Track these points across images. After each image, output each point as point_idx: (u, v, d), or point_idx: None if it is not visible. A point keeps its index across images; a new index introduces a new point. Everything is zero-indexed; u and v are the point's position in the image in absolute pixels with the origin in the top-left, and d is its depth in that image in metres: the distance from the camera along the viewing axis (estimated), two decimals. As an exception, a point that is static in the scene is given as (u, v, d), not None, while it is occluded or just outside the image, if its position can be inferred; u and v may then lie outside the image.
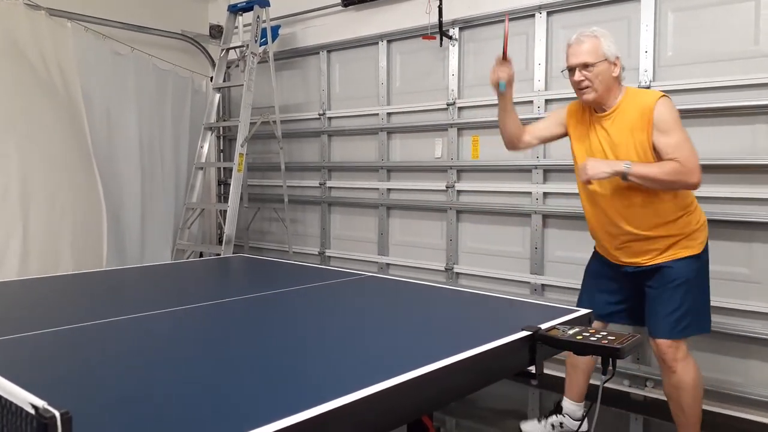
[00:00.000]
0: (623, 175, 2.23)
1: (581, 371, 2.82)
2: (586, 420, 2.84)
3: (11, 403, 0.82)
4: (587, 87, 2.32)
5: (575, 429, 2.83)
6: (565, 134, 2.58)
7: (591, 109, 2.44)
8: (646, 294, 2.45)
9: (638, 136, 2.28)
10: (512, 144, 2.65)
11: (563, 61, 3.50)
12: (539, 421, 2.90)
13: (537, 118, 3.48)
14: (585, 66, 2.30)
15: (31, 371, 1.32)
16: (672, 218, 2.33)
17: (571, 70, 2.36)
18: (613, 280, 2.54)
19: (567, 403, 2.84)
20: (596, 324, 2.52)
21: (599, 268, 2.60)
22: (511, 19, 3.72)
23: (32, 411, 0.78)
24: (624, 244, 2.41)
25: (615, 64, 2.33)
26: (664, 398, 3.19)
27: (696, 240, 2.38)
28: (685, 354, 2.42)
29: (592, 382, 3.39)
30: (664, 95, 2.30)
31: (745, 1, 2.97)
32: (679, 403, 2.44)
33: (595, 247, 2.68)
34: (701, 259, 2.40)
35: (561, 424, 2.85)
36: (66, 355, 1.44)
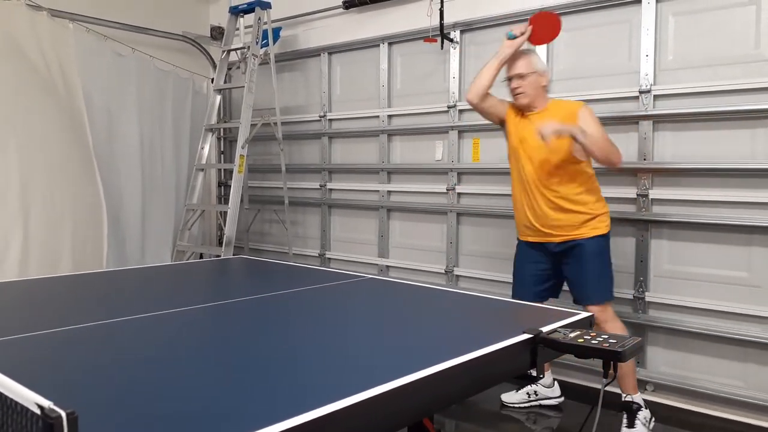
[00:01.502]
0: (576, 132, 2.66)
1: None
2: (556, 385, 3.32)
3: (17, 403, 0.82)
4: (521, 93, 2.86)
5: (549, 395, 3.30)
6: (500, 120, 3.02)
7: (522, 111, 2.93)
8: (566, 270, 2.89)
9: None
10: (478, 96, 2.96)
11: (564, 64, 3.56)
12: (516, 391, 3.32)
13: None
14: (520, 76, 2.85)
15: (36, 371, 1.32)
16: (582, 200, 2.81)
17: (509, 78, 2.91)
18: (537, 263, 2.97)
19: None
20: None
21: (524, 257, 3.02)
22: (513, 22, 3.73)
23: (38, 411, 0.78)
24: (544, 216, 2.85)
25: (542, 76, 2.88)
26: (665, 402, 3.21)
27: (603, 222, 2.84)
28: (612, 315, 2.86)
29: (593, 385, 3.41)
30: (584, 104, 2.83)
31: (746, 5, 2.98)
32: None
33: (518, 238, 3.06)
34: (606, 238, 2.85)
35: (535, 392, 3.30)
36: (70, 356, 1.44)
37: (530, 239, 2.97)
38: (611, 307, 2.87)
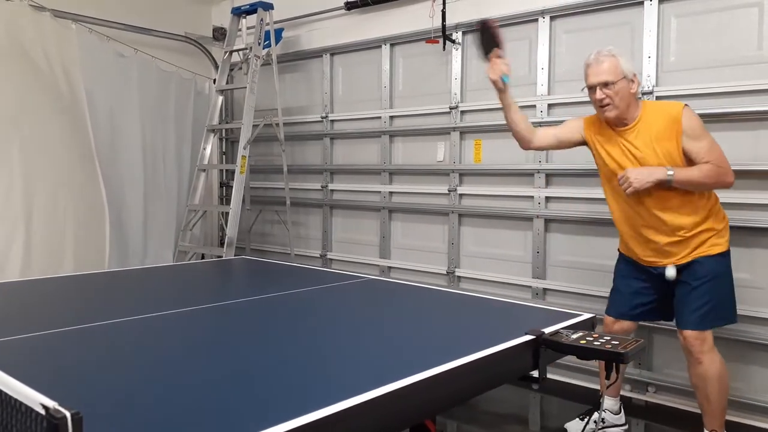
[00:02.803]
0: (667, 182, 2.34)
1: None
2: (623, 412, 2.95)
3: (21, 403, 0.82)
4: (608, 104, 2.42)
5: (616, 423, 2.93)
6: (582, 142, 2.67)
7: (610, 126, 2.53)
8: (676, 289, 2.54)
9: (665, 145, 2.39)
10: (525, 141, 2.69)
11: (566, 65, 3.55)
12: (581, 419, 2.94)
13: (540, 123, 3.49)
14: (605, 84, 2.40)
15: (40, 372, 1.32)
16: (702, 219, 2.44)
17: (592, 88, 2.45)
18: (642, 281, 2.63)
19: (606, 400, 2.94)
20: (623, 323, 2.70)
21: (628, 270, 2.69)
22: (514, 24, 3.73)
23: (43, 411, 0.78)
24: (657, 246, 2.50)
25: (633, 81, 2.44)
26: (668, 403, 3.21)
27: (723, 237, 2.49)
28: (711, 346, 2.50)
29: (594, 387, 3.40)
30: (685, 105, 2.41)
31: (749, 6, 2.97)
32: (705, 393, 2.52)
33: (619, 249, 2.76)
34: (727, 255, 2.50)
35: (603, 420, 2.93)
36: (73, 356, 1.44)
37: (636, 260, 2.65)
38: (710, 337, 2.54)
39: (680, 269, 2.50)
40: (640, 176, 2.35)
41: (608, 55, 2.44)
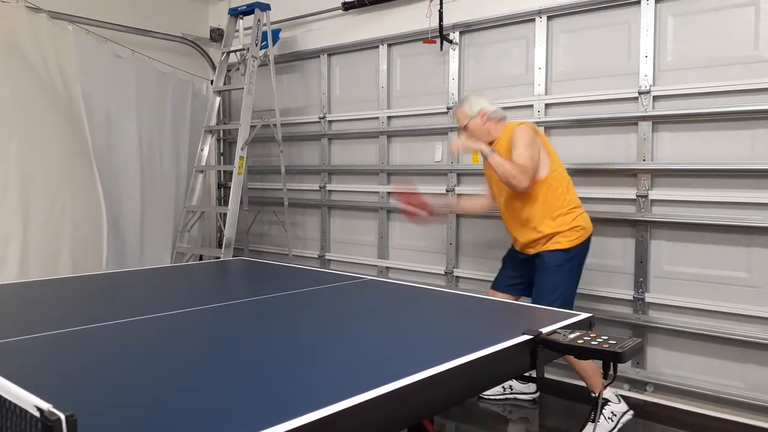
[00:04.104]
0: (484, 155, 2.87)
1: None
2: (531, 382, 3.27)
3: (15, 405, 0.82)
4: (473, 139, 2.98)
5: (523, 391, 3.35)
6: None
7: None
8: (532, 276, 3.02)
9: (508, 156, 2.87)
10: (491, 209, 3.26)
11: (563, 65, 3.56)
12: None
13: (538, 123, 3.49)
14: (463, 127, 3.05)
15: (35, 374, 1.32)
16: (544, 220, 2.89)
17: (460, 129, 3.10)
18: (516, 262, 3.14)
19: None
20: (498, 294, 3.15)
21: (509, 256, 3.23)
22: (511, 24, 3.74)
23: (37, 414, 0.78)
24: (519, 236, 3.02)
25: (479, 116, 3.00)
26: (665, 402, 3.21)
27: (567, 237, 2.89)
28: None
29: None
30: (522, 123, 2.93)
31: (745, 6, 2.98)
32: (580, 366, 2.84)
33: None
34: (569, 253, 2.89)
35: (510, 386, 3.36)
36: (69, 358, 1.44)
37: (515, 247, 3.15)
38: None
39: (532, 259, 2.97)
40: (464, 142, 2.96)
41: (459, 105, 3.10)
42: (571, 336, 1.52)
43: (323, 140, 4.76)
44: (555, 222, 2.89)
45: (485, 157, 2.87)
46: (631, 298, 3.31)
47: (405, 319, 1.89)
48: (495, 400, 3.33)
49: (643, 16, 3.24)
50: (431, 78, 4.14)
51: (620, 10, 3.35)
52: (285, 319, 1.84)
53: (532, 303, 2.87)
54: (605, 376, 1.50)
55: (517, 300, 3.04)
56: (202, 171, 4.83)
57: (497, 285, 3.21)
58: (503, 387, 3.35)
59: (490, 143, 2.95)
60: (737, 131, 3.02)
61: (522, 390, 3.34)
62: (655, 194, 3.24)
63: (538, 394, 3.35)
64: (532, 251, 2.97)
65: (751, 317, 2.99)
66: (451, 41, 3.96)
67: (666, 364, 3.26)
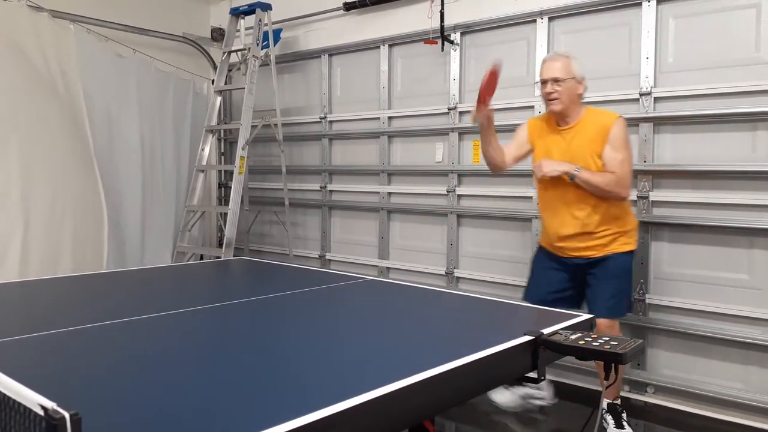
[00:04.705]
0: (571, 176, 2.63)
1: None
2: (546, 386, 3.19)
3: (20, 404, 0.82)
4: (556, 98, 2.69)
5: (539, 396, 3.21)
6: (532, 150, 2.90)
7: (554, 122, 2.80)
8: (589, 281, 2.80)
9: (596, 147, 2.67)
10: (496, 168, 2.97)
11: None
12: (507, 389, 3.19)
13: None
14: (556, 80, 2.68)
15: (39, 372, 1.32)
16: (614, 219, 2.71)
17: (544, 82, 2.73)
18: (557, 271, 2.88)
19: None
20: None
21: (544, 261, 2.94)
22: (512, 25, 3.74)
23: (41, 412, 0.78)
24: (578, 240, 2.77)
25: (580, 84, 2.71)
26: (666, 404, 3.21)
27: (632, 238, 2.79)
28: (618, 332, 2.85)
29: (593, 387, 3.40)
30: (619, 116, 2.68)
31: (746, 8, 2.98)
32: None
33: (539, 243, 3.02)
34: (634, 254, 2.80)
35: (527, 393, 3.21)
36: (72, 357, 1.44)
37: (554, 252, 2.90)
38: (618, 324, 2.87)
39: (594, 263, 2.76)
40: (550, 163, 2.68)
41: (563, 55, 2.75)
42: (573, 337, 1.53)
43: (324, 140, 4.76)
44: (620, 222, 2.74)
45: (571, 179, 2.63)
46: (632, 299, 3.31)
47: (405, 319, 1.89)
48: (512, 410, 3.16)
49: (645, 17, 3.24)
50: (432, 78, 4.14)
51: (621, 11, 3.35)
52: (284, 320, 1.84)
53: (589, 310, 2.75)
54: (606, 377, 1.50)
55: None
56: (202, 170, 4.83)
57: (538, 297, 2.77)
58: (521, 396, 3.17)
59: (565, 120, 2.72)
60: (738, 133, 3.02)
61: (538, 395, 3.19)
62: (655, 195, 3.24)
63: (556, 400, 3.20)
64: (592, 254, 2.75)
65: (752, 319, 2.99)
66: (452, 42, 3.96)
67: (667, 365, 3.26)
